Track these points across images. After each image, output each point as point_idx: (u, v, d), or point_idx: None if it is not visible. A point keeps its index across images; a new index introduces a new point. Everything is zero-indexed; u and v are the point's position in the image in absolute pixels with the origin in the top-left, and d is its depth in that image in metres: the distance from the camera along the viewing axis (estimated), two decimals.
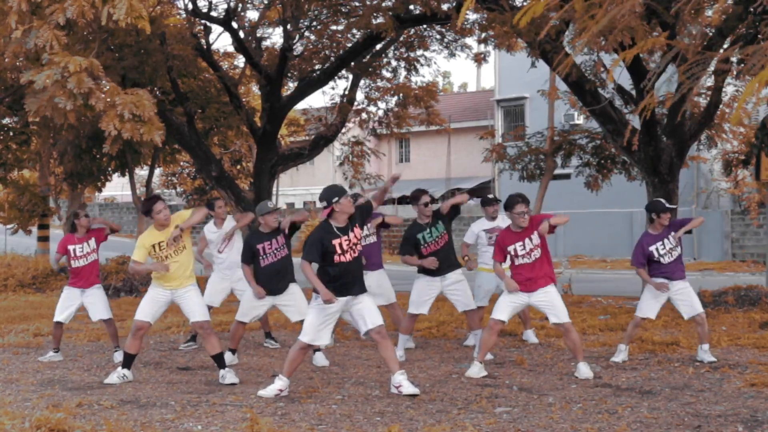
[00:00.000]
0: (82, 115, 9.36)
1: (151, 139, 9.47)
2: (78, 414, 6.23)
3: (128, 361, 7.66)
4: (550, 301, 7.55)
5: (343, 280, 6.83)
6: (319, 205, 7.38)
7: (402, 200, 38.12)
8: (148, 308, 7.59)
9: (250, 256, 8.22)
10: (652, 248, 8.10)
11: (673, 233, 8.09)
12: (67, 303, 8.88)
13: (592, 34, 4.87)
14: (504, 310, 7.63)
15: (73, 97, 8.78)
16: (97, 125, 9.86)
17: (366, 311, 6.88)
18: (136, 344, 7.62)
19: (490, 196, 9.74)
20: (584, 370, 7.52)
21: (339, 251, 6.78)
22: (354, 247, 6.84)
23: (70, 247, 8.81)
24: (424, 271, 8.61)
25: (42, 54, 8.82)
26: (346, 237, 6.81)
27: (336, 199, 6.75)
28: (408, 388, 6.78)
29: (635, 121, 13.71)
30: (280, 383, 6.92)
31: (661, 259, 8.10)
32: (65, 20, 8.65)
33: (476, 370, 7.64)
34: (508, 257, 7.64)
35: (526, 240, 7.50)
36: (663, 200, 8.40)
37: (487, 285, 9.36)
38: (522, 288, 7.55)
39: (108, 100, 9.26)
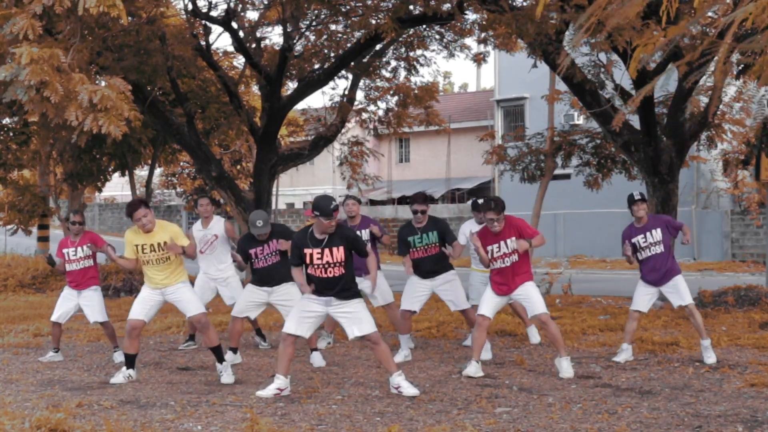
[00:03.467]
0: (43, 106, 8.87)
1: (110, 131, 8.87)
2: (78, 414, 6.23)
3: (130, 361, 7.67)
4: (525, 294, 7.61)
5: (319, 286, 6.89)
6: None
7: (402, 200, 38.13)
8: (139, 307, 7.63)
9: (245, 259, 8.38)
10: (635, 240, 8.29)
11: (659, 229, 8.22)
12: (65, 303, 8.90)
13: (591, 29, 4.87)
14: (487, 305, 7.70)
15: (29, 89, 8.51)
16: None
17: (356, 319, 6.87)
18: (133, 344, 7.62)
19: (480, 200, 9.64)
20: (566, 367, 7.54)
21: (308, 261, 6.85)
22: (326, 266, 6.80)
23: (64, 251, 8.84)
24: (415, 271, 8.68)
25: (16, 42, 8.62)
26: (318, 250, 6.82)
27: (317, 213, 6.75)
28: (408, 390, 6.79)
29: (635, 122, 13.71)
30: (278, 382, 6.93)
31: (641, 252, 8.25)
32: (42, 9, 8.46)
33: (473, 370, 7.64)
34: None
35: (501, 243, 7.57)
36: (635, 192, 8.42)
37: (478, 284, 9.36)
38: (497, 290, 7.68)
39: (71, 89, 8.84)
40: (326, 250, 6.80)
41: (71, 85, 8.82)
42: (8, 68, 8.46)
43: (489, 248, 7.63)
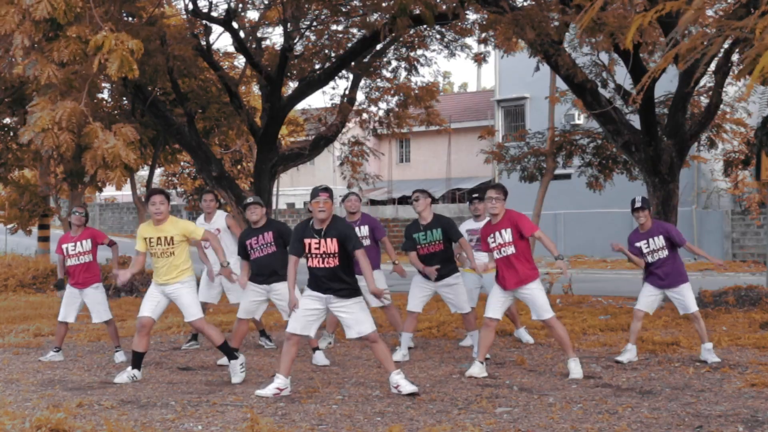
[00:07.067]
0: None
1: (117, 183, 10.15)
2: (78, 414, 6.23)
3: (137, 360, 7.68)
4: (531, 296, 7.59)
5: (319, 279, 6.92)
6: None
7: (402, 200, 38.13)
8: (147, 304, 7.67)
9: (242, 251, 8.44)
10: (638, 244, 8.34)
11: (661, 236, 8.22)
12: (69, 302, 8.89)
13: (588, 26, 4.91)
14: (494, 306, 7.68)
15: (48, 148, 9.57)
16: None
17: (354, 321, 6.91)
18: (142, 342, 7.63)
19: (475, 195, 9.67)
20: (574, 368, 7.52)
21: (307, 250, 6.92)
22: (323, 256, 6.85)
23: (64, 246, 8.83)
24: (419, 271, 8.68)
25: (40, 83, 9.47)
26: (316, 240, 6.87)
27: (311, 199, 6.87)
28: (407, 387, 6.80)
29: (635, 122, 13.71)
30: (278, 381, 6.93)
31: (647, 257, 8.27)
32: (60, 61, 9.16)
33: (477, 370, 7.64)
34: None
35: (496, 233, 7.59)
36: (636, 198, 8.42)
37: (470, 285, 9.33)
38: (500, 283, 7.65)
39: (86, 142, 9.81)
40: (323, 241, 6.88)
41: (88, 139, 9.71)
42: (29, 132, 9.45)
43: (488, 240, 7.67)
